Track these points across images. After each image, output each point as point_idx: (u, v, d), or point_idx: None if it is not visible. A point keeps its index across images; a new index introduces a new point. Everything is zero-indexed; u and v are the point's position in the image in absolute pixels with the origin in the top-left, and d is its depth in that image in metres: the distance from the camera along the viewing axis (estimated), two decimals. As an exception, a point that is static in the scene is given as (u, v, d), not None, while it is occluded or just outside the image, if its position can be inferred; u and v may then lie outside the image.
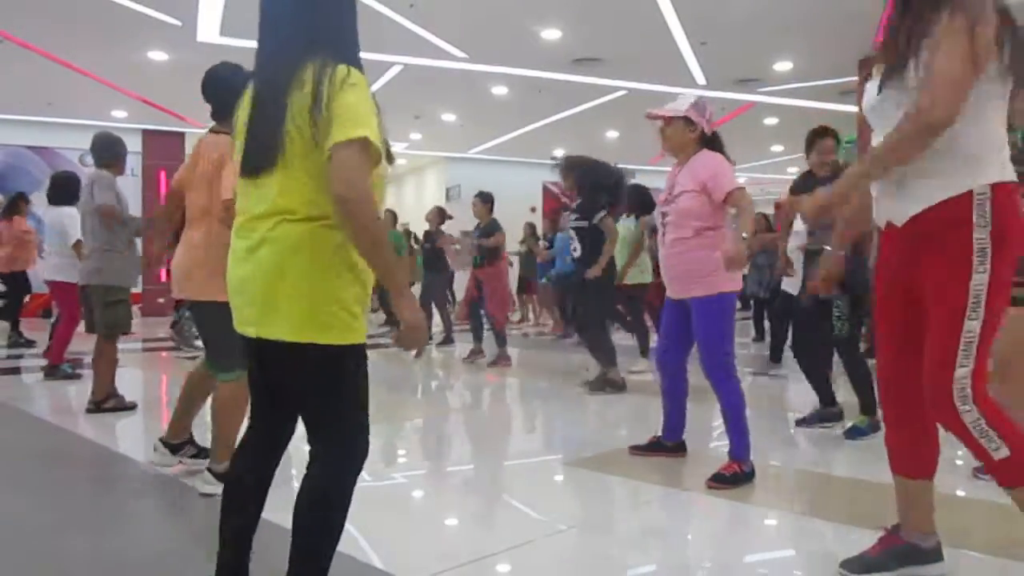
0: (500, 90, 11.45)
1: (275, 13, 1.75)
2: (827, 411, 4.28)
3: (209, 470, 3.02)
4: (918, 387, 2.04)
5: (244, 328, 1.75)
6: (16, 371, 6.91)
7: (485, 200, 7.37)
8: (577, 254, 5.66)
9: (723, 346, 3.19)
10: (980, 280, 1.86)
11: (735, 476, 3.08)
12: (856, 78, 9.29)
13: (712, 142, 3.32)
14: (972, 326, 1.86)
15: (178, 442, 3.36)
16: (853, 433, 4.01)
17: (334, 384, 1.71)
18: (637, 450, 3.60)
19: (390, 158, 1.76)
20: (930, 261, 1.95)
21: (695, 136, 3.29)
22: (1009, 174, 1.92)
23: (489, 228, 7.23)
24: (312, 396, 1.73)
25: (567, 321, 9.26)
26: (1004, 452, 1.84)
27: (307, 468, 1.74)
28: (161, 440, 3.36)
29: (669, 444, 3.56)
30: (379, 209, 1.71)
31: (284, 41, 1.72)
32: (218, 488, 2.58)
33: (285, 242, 1.64)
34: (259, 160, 1.68)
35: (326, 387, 1.70)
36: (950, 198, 1.90)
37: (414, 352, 1.67)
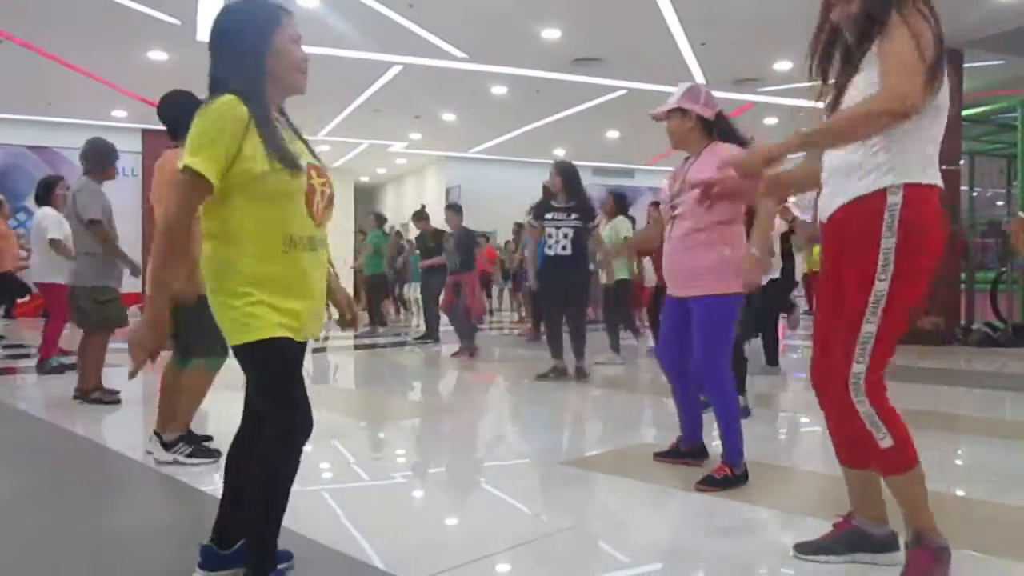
0: (500, 90, 11.45)
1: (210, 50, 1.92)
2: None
3: (158, 436, 3.38)
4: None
5: None
6: (10, 371, 6.91)
7: (456, 211, 8.07)
8: (567, 252, 5.83)
9: (722, 349, 3.10)
10: (881, 288, 1.93)
11: (725, 479, 3.03)
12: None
13: (716, 126, 3.19)
14: (869, 329, 1.95)
15: (173, 438, 3.46)
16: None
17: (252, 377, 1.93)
18: (660, 456, 3.46)
19: (291, 164, 1.84)
20: (846, 260, 2.03)
21: (692, 125, 3.16)
22: (931, 177, 1.94)
23: (462, 236, 7.88)
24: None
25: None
26: (888, 442, 1.97)
27: None
28: (155, 432, 3.48)
29: (684, 450, 3.42)
30: (285, 221, 1.86)
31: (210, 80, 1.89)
32: (167, 456, 3.32)
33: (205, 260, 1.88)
34: None
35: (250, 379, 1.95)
36: (863, 196, 1.95)
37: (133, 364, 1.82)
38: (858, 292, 1.97)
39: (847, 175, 2.01)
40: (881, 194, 1.93)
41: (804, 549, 2.28)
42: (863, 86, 1.96)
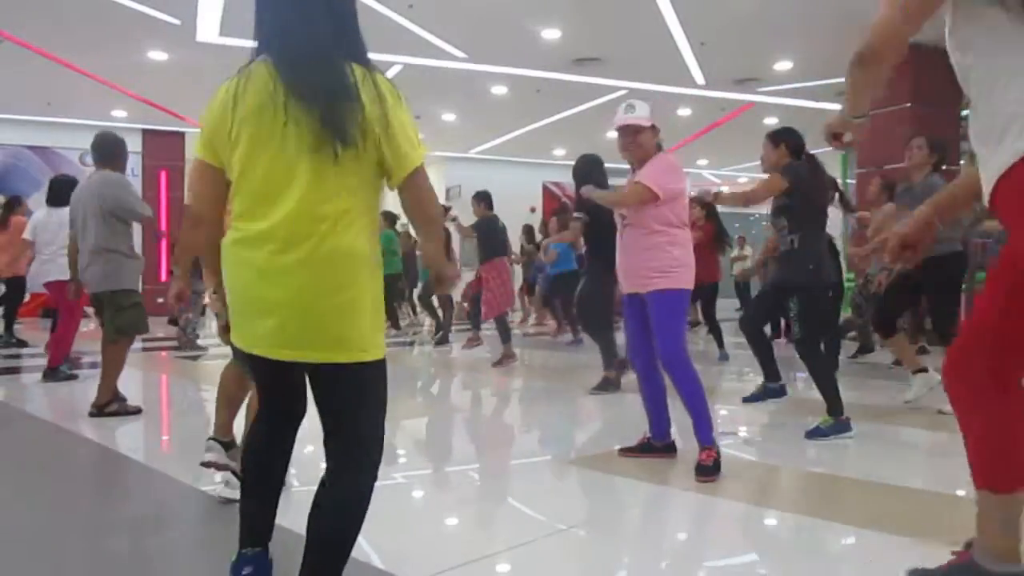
0: (500, 90, 11.45)
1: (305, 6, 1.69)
2: (772, 387, 4.57)
3: (213, 438, 2.95)
4: None
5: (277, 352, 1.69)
6: (15, 371, 6.90)
7: (480, 199, 7.54)
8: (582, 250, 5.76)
9: (679, 339, 3.33)
10: None
11: (716, 463, 3.17)
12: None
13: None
14: None
15: (228, 440, 3.07)
16: (814, 433, 3.96)
17: (371, 395, 1.75)
18: (627, 451, 3.59)
19: None
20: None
21: (656, 139, 3.46)
22: None
23: (483, 224, 7.35)
24: (353, 409, 1.74)
25: (569, 321, 9.32)
26: None
27: (331, 478, 1.73)
28: (212, 438, 3.04)
29: (658, 445, 3.55)
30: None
31: (316, 33, 1.66)
32: (219, 456, 2.84)
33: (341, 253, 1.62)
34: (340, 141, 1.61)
35: (367, 399, 1.74)
36: (1012, 166, 1.56)
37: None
38: None
39: (989, 149, 1.62)
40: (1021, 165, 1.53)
41: None
42: None
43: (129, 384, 5.65)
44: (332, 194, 1.60)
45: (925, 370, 4.56)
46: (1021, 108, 1.53)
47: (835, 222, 5.44)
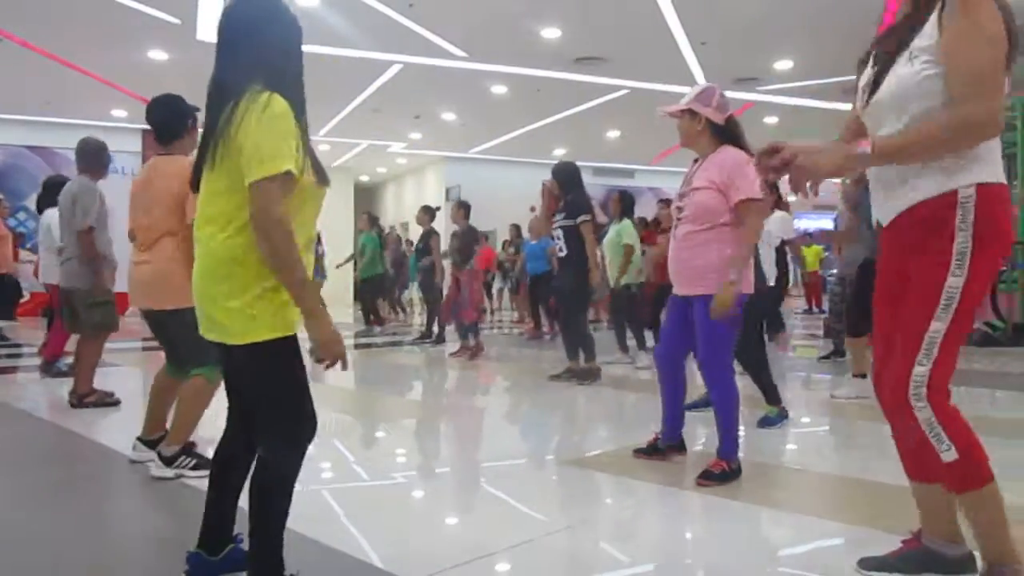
0: (500, 90, 11.45)
1: (228, 39, 1.86)
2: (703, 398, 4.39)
3: (159, 454, 3.20)
4: None
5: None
6: (10, 370, 6.91)
7: (461, 206, 8.02)
8: (563, 252, 5.81)
9: (725, 347, 3.16)
10: (955, 283, 1.82)
11: (724, 473, 3.08)
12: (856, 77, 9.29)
13: (727, 130, 3.25)
14: (937, 327, 1.84)
15: (155, 438, 3.44)
16: (765, 422, 4.13)
17: (265, 376, 1.86)
18: (640, 454, 3.53)
19: (324, 179, 1.88)
20: (913, 262, 1.92)
21: (702, 128, 3.22)
22: (999, 175, 1.85)
23: (465, 235, 7.82)
24: (251, 392, 1.91)
25: (551, 320, 9.51)
26: (952, 455, 1.81)
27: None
28: (138, 438, 3.48)
29: (668, 446, 3.48)
30: (310, 223, 1.90)
31: (229, 69, 1.84)
32: (167, 472, 3.07)
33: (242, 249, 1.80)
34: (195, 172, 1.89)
35: (260, 379, 1.87)
36: (933, 197, 1.85)
37: (327, 364, 1.80)
38: (928, 288, 1.86)
39: (900, 183, 1.91)
40: (952, 196, 1.82)
41: (867, 564, 2.11)
42: (906, 75, 1.85)
43: (127, 381, 5.65)
44: (211, 199, 1.83)
45: (864, 376, 4.84)
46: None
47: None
